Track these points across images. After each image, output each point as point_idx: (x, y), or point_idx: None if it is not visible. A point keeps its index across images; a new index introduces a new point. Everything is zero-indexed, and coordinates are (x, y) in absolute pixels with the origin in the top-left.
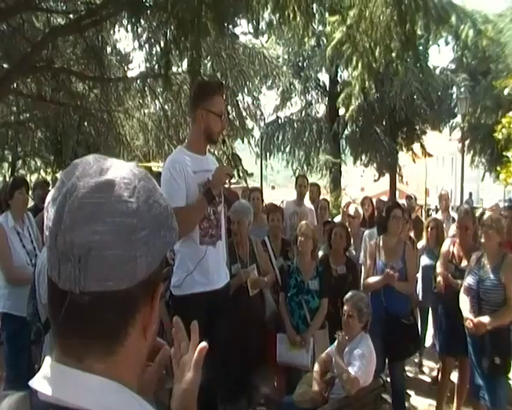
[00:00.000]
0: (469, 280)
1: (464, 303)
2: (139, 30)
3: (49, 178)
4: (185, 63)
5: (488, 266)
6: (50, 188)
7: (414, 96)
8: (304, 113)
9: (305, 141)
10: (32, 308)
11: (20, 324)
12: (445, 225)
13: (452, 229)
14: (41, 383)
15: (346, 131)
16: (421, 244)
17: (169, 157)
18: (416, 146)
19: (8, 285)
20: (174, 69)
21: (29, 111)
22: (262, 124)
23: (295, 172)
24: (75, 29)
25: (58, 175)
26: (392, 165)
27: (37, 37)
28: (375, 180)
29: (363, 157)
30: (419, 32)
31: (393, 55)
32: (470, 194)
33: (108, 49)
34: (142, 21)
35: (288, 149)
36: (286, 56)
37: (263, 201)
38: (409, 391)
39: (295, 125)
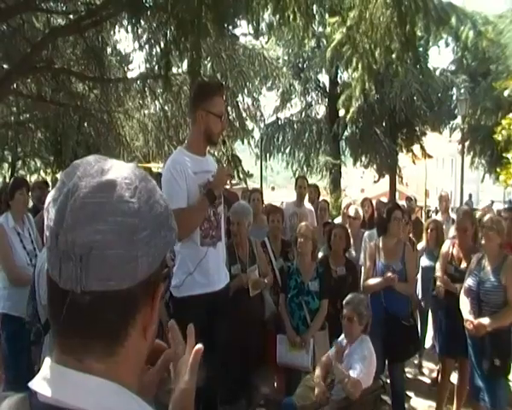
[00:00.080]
0: (469, 282)
1: (464, 305)
2: (139, 30)
3: (48, 178)
4: (185, 64)
5: (489, 268)
6: (50, 189)
7: (414, 97)
8: (304, 114)
9: (305, 142)
10: (31, 309)
11: (19, 324)
12: (444, 227)
13: (452, 230)
14: (41, 384)
15: (345, 133)
16: (420, 246)
17: (169, 158)
18: (416, 147)
19: (7, 286)
20: (174, 70)
21: (29, 111)
22: (262, 125)
23: (295, 174)
24: (75, 29)
25: (58, 176)
26: (392, 166)
27: (37, 37)
28: (374, 181)
29: (363, 158)
30: (419, 34)
31: (393, 56)
32: (470, 195)
33: (108, 50)
34: (142, 22)
35: (287, 150)
36: (286, 57)
37: (263, 202)
38: (408, 392)
39: (295, 126)
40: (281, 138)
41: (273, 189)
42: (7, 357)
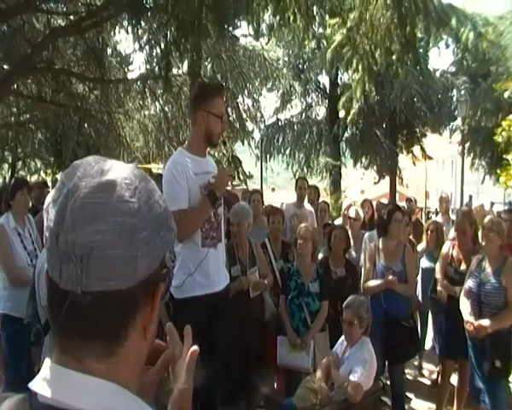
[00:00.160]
0: (470, 283)
1: (464, 306)
2: (139, 31)
3: (49, 179)
4: (185, 65)
5: (489, 270)
6: (50, 189)
7: (414, 98)
8: (304, 115)
9: (306, 143)
10: (31, 310)
11: (19, 325)
12: (444, 228)
13: (452, 232)
14: (40, 385)
15: (346, 134)
16: (420, 247)
17: (170, 159)
18: (416, 149)
19: (8, 287)
20: (174, 71)
21: (29, 112)
22: (262, 126)
23: (295, 175)
24: (75, 30)
25: (58, 176)
26: (392, 167)
27: (38, 38)
28: (375, 183)
29: (364, 160)
30: (419, 35)
31: (394, 57)
32: (470, 197)
33: (109, 51)
34: (143, 23)
35: (288, 152)
36: (286, 59)
37: (263, 203)
38: (408, 394)
39: (295, 127)
40: (281, 139)
41: (273, 190)
42: (7, 358)
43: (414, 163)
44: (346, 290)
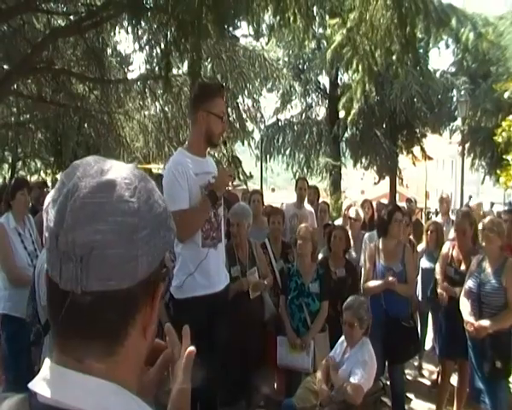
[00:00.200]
0: (470, 283)
1: (464, 306)
2: (139, 32)
3: (49, 179)
4: (185, 65)
5: (489, 270)
6: (50, 189)
7: (414, 99)
8: (304, 115)
9: (306, 143)
10: (31, 310)
11: (19, 325)
12: (444, 228)
13: (452, 232)
14: (40, 385)
15: (346, 134)
16: (420, 247)
17: (170, 159)
18: (416, 149)
19: (8, 287)
20: (174, 71)
21: (29, 112)
22: (262, 126)
23: (295, 175)
24: (75, 30)
25: (58, 176)
26: (393, 168)
27: (38, 38)
28: (375, 183)
29: (364, 160)
30: (419, 35)
31: (394, 57)
32: (470, 197)
33: (109, 51)
34: (143, 23)
35: (288, 152)
36: (286, 59)
37: (263, 203)
38: (408, 394)
39: (295, 127)
40: (281, 140)
41: (273, 190)
42: (7, 358)
43: (414, 163)
44: (345, 291)
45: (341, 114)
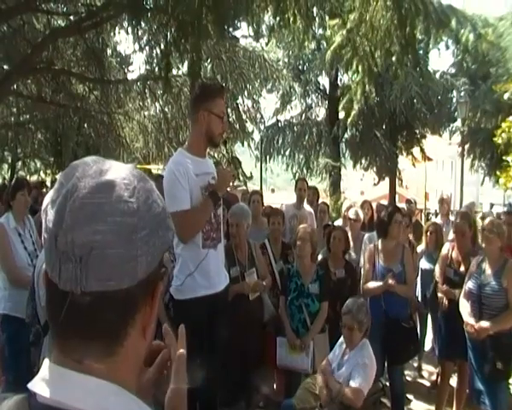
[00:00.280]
0: (470, 285)
1: (464, 308)
2: (139, 32)
3: (48, 179)
4: (185, 66)
5: (489, 271)
6: (49, 190)
7: (414, 100)
8: (304, 116)
9: (305, 144)
10: (31, 310)
11: (20, 325)
12: (444, 230)
13: (451, 233)
14: (40, 385)
15: (345, 135)
16: (420, 248)
17: (171, 159)
18: (416, 150)
19: (8, 287)
20: (174, 72)
21: (29, 112)
22: (262, 127)
23: (295, 176)
24: (75, 31)
25: (57, 177)
26: (392, 169)
27: (38, 38)
28: (374, 184)
29: (363, 161)
30: (419, 36)
31: (393, 58)
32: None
33: (109, 51)
34: (143, 23)
35: (287, 153)
36: (286, 60)
37: (263, 204)
38: (408, 395)
39: (295, 128)
40: (281, 140)
41: (273, 191)
42: (7, 358)
43: (414, 164)
44: (345, 292)
45: (341, 114)
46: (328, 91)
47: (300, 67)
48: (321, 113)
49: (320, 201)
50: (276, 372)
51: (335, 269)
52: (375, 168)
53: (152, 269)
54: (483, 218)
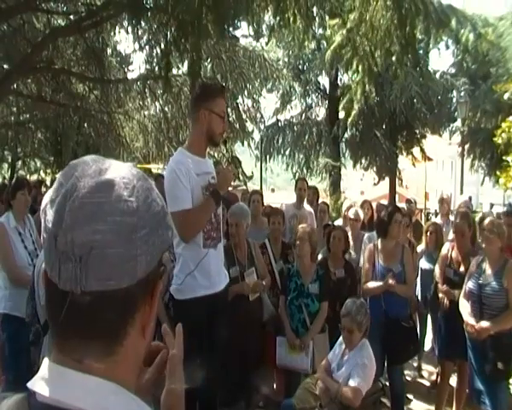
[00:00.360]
0: (470, 285)
1: (464, 308)
2: (139, 31)
3: (48, 179)
4: (185, 65)
5: (489, 271)
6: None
7: (414, 99)
8: (304, 116)
9: (305, 144)
10: (30, 309)
11: (20, 325)
12: (444, 230)
13: (451, 233)
14: (39, 384)
15: (345, 135)
16: (420, 248)
17: (171, 159)
18: (416, 150)
19: (8, 286)
20: (174, 71)
21: (29, 112)
22: (262, 127)
23: (295, 175)
24: (75, 30)
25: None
26: (392, 168)
27: (38, 37)
28: (374, 184)
29: (363, 161)
30: (419, 36)
31: (393, 58)
32: (470, 198)
33: (109, 51)
34: (143, 23)
35: (287, 152)
36: (286, 59)
37: (263, 204)
38: (408, 395)
39: (295, 128)
40: (281, 140)
41: (273, 191)
42: (7, 357)
43: (414, 164)
44: (345, 291)
45: (341, 114)
46: (328, 91)
47: (300, 67)
48: (321, 112)
49: (320, 200)
50: (276, 372)
51: (335, 269)
52: (375, 168)
53: (151, 268)
54: (482, 218)
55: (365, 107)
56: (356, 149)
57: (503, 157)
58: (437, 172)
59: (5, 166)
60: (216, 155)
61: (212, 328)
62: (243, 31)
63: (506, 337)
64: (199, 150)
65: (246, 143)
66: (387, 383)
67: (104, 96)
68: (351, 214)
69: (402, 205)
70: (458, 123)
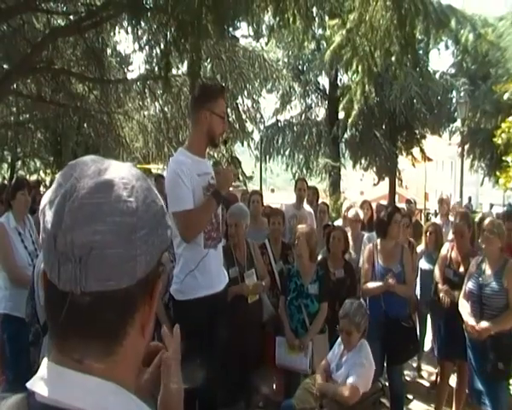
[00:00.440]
0: (470, 285)
1: (464, 308)
2: (139, 32)
3: (48, 179)
4: (185, 65)
5: (489, 272)
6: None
7: (413, 100)
8: (303, 116)
9: (305, 144)
10: (30, 309)
11: (20, 325)
12: (444, 230)
13: (451, 233)
14: (38, 384)
15: (345, 135)
16: (420, 248)
17: (172, 159)
18: (416, 150)
19: (9, 287)
20: (174, 71)
21: (29, 112)
22: (262, 127)
23: (295, 176)
24: (75, 30)
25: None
26: (392, 169)
27: (38, 38)
28: (374, 184)
29: (363, 161)
30: (419, 36)
31: (393, 59)
32: (469, 198)
33: (108, 51)
34: (143, 23)
35: (287, 153)
36: (286, 60)
37: (263, 204)
38: (407, 395)
39: (295, 128)
40: (280, 140)
41: (273, 191)
42: (7, 357)
43: (413, 164)
44: (344, 292)
45: (341, 114)
46: (327, 91)
47: (300, 67)
48: (321, 113)
49: (320, 201)
50: (276, 372)
51: (335, 269)
52: (374, 168)
53: (151, 268)
54: (482, 219)
55: (365, 107)
56: (356, 150)
57: (503, 157)
58: (437, 173)
59: (5, 166)
60: (216, 155)
61: (212, 328)
62: (243, 31)
63: (506, 337)
64: (199, 151)
65: (245, 143)
66: (387, 384)
67: (104, 96)
68: (350, 215)
69: (402, 205)
70: (458, 123)
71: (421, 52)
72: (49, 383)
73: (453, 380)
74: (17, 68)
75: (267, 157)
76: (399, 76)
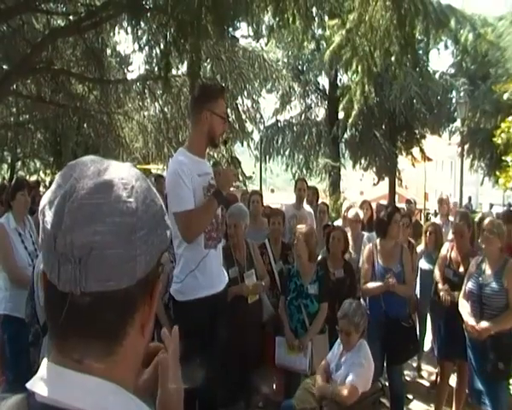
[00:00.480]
0: (470, 285)
1: (464, 308)
2: (139, 32)
3: (48, 179)
4: (185, 66)
5: (489, 272)
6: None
7: (413, 100)
8: (303, 116)
9: (305, 144)
10: (30, 310)
11: (20, 326)
12: (443, 230)
13: (451, 233)
14: (38, 384)
15: (345, 135)
16: (419, 248)
17: (173, 159)
18: (416, 150)
19: (9, 287)
20: (174, 71)
21: (28, 112)
22: (261, 127)
23: (295, 176)
24: (75, 31)
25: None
26: (392, 169)
27: (37, 38)
28: (374, 184)
29: (363, 161)
30: (418, 36)
31: (393, 58)
32: (469, 198)
33: (108, 51)
34: (142, 23)
35: (287, 153)
36: (286, 60)
37: (262, 204)
38: (407, 395)
39: (295, 128)
40: (280, 141)
41: (272, 191)
42: (7, 358)
43: (413, 164)
44: (344, 292)
45: (341, 115)
46: (327, 91)
47: (300, 68)
48: (320, 113)
49: (320, 201)
50: (276, 372)
51: (334, 269)
52: (374, 168)
53: (151, 268)
54: (482, 219)
55: (365, 107)
56: (355, 150)
57: (503, 157)
58: (436, 173)
59: (5, 166)
60: (215, 155)
61: (213, 328)
62: (243, 31)
63: (506, 337)
64: (199, 151)
65: (245, 143)
66: (387, 384)
67: (104, 96)
68: (350, 215)
69: (401, 205)
70: (458, 123)
71: (420, 52)
72: (49, 384)
73: (453, 380)
74: (17, 69)
75: (267, 157)
76: (399, 76)
